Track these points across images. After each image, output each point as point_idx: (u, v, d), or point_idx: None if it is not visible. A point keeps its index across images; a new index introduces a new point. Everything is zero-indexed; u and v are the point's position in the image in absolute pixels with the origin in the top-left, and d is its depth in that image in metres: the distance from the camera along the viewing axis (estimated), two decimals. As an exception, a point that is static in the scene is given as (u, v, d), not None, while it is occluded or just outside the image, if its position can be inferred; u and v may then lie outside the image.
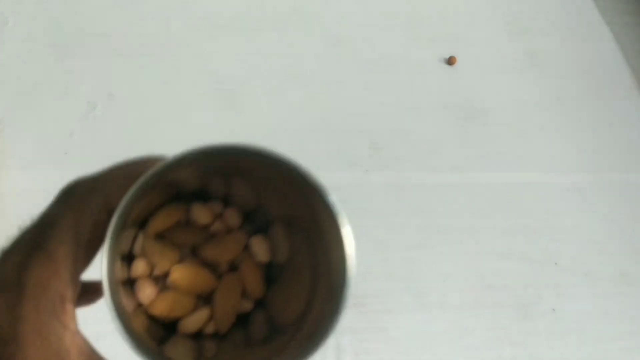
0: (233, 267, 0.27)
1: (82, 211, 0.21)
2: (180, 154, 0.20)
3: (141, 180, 0.20)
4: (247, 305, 0.27)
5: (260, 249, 0.27)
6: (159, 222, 0.25)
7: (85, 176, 0.22)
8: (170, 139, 0.61)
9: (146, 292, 0.25)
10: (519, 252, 0.56)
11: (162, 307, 0.25)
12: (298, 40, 0.72)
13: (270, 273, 0.27)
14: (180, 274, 0.25)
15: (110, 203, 0.21)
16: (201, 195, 0.27)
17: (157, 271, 0.25)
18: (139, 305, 0.25)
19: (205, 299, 0.26)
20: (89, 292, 0.25)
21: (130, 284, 0.25)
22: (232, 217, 0.27)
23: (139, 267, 0.25)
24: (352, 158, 0.61)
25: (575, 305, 0.53)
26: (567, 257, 0.56)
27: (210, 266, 0.26)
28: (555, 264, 0.56)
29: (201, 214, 0.26)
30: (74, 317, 0.20)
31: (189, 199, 0.26)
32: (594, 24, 0.80)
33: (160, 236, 0.26)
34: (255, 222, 0.28)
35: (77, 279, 0.21)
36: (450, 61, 0.72)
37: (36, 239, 0.20)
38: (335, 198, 0.23)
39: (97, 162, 0.64)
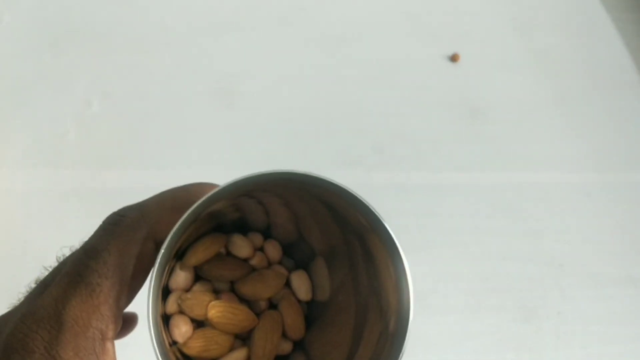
0: (272, 305, 0.26)
1: (128, 243, 0.20)
2: (231, 182, 0.19)
3: (190, 210, 0.19)
4: (287, 347, 0.25)
5: (302, 285, 0.26)
6: (198, 254, 0.24)
7: (130, 205, 0.21)
8: (168, 138, 0.60)
9: (182, 329, 0.23)
10: (524, 254, 0.55)
11: (198, 346, 0.23)
12: (298, 39, 0.71)
13: (311, 312, 0.26)
14: (218, 311, 0.24)
15: (156, 234, 0.20)
16: (240, 225, 0.26)
17: (194, 310, 0.24)
18: (173, 342, 0.23)
19: (243, 339, 0.25)
20: (125, 324, 0.24)
21: (164, 319, 0.24)
22: (273, 250, 0.26)
23: (175, 302, 0.24)
24: (353, 158, 0.61)
25: (580, 308, 0.53)
26: (572, 258, 0.55)
27: (248, 303, 0.25)
28: (560, 265, 0.55)
29: (241, 246, 0.25)
30: (113, 357, 0.19)
31: (228, 229, 0.25)
32: (599, 20, 0.79)
33: (198, 269, 0.25)
34: (295, 256, 0.27)
35: (119, 316, 0.20)
36: (453, 58, 0.71)
37: (78, 271, 0.19)
38: (391, 231, 0.22)
39: (92, 162, 0.64)
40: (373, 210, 0.22)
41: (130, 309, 0.24)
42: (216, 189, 0.19)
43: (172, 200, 0.21)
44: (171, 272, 0.24)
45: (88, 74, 0.64)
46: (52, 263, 0.21)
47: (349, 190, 0.21)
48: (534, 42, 0.75)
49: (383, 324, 0.22)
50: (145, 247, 0.20)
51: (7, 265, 0.49)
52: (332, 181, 0.21)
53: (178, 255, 0.25)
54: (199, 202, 0.19)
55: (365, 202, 0.22)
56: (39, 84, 0.63)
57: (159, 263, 0.19)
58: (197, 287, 0.24)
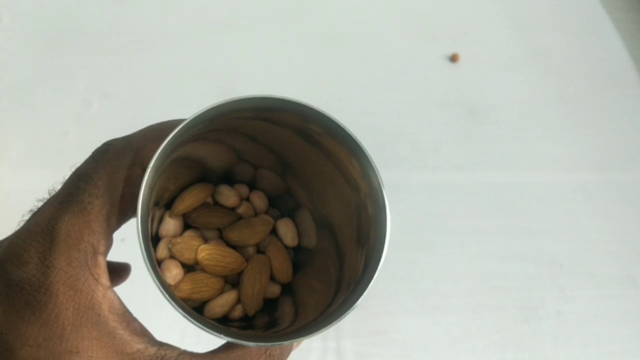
0: (260, 252, 0.26)
1: (116, 167, 0.21)
2: (210, 105, 0.21)
3: (173, 133, 0.20)
4: (275, 289, 0.26)
5: (288, 232, 0.27)
6: (185, 202, 0.25)
7: (118, 137, 0.22)
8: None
9: (173, 272, 0.24)
10: (523, 254, 0.55)
11: (189, 289, 0.24)
12: (298, 38, 0.71)
13: (298, 259, 0.27)
14: (208, 253, 0.24)
15: (143, 160, 0.21)
16: (228, 181, 0.27)
17: (184, 254, 0.24)
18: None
19: (232, 284, 0.25)
20: (117, 273, 0.25)
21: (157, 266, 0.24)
22: (259, 200, 0.27)
23: (165, 248, 0.24)
24: (352, 157, 0.61)
25: (580, 308, 0.53)
26: (572, 258, 0.55)
27: (236, 250, 0.26)
28: (560, 265, 0.55)
29: (228, 195, 0.26)
30: (105, 272, 0.20)
31: (216, 182, 0.26)
32: (599, 21, 0.79)
33: (187, 217, 0.25)
34: (281, 207, 0.27)
35: (109, 234, 0.21)
36: (453, 58, 0.71)
37: (70, 191, 0.20)
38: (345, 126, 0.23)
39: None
40: (326, 114, 0.23)
41: (127, 260, 0.25)
42: (196, 113, 0.21)
43: (157, 131, 0.23)
44: (161, 220, 0.25)
45: (88, 74, 0.64)
46: (45, 198, 0.22)
47: (298, 102, 0.23)
48: (533, 42, 0.75)
49: (360, 242, 0.23)
50: (132, 172, 0.21)
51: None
52: (278, 97, 0.22)
53: (167, 205, 0.25)
54: (180, 126, 0.20)
55: (316, 109, 0.23)
56: (38, 84, 0.63)
57: (146, 182, 0.19)
58: (187, 234, 0.25)
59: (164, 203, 0.25)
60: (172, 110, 0.62)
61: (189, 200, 0.25)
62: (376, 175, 0.24)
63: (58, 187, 0.22)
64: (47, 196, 0.22)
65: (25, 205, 0.56)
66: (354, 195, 0.24)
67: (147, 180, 0.20)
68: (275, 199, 0.28)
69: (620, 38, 0.77)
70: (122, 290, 0.25)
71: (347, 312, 0.21)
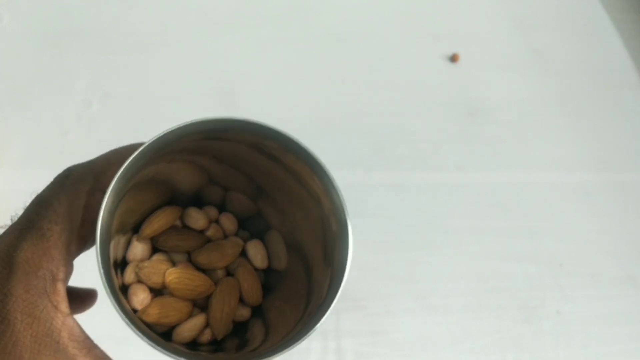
0: (229, 275, 0.26)
1: (76, 192, 0.21)
2: (170, 128, 0.21)
3: (131, 157, 0.20)
4: (245, 313, 0.26)
5: (257, 253, 0.26)
6: (153, 225, 0.25)
7: (80, 163, 0.22)
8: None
9: (140, 297, 0.24)
10: (523, 254, 0.55)
11: (156, 313, 0.24)
12: (298, 38, 0.71)
13: (269, 280, 0.27)
14: (175, 277, 0.24)
15: (104, 184, 0.20)
16: (197, 203, 0.27)
17: (152, 278, 0.24)
18: (134, 311, 0.24)
19: (201, 307, 0.25)
20: (83, 299, 0.25)
21: (123, 290, 0.24)
22: (228, 222, 0.27)
23: (133, 272, 0.24)
24: (353, 158, 0.61)
25: (580, 308, 0.53)
26: (572, 258, 0.55)
27: (205, 273, 0.25)
28: (560, 265, 0.55)
29: (196, 218, 0.26)
30: (65, 298, 0.20)
31: (186, 205, 0.26)
32: (599, 21, 0.79)
33: (155, 241, 0.25)
34: (251, 229, 0.27)
35: (69, 260, 0.20)
36: (453, 58, 0.71)
37: (29, 218, 0.20)
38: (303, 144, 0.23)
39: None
40: (283, 132, 0.23)
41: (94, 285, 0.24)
42: (156, 135, 0.21)
43: (119, 155, 0.22)
44: (128, 245, 0.25)
45: (88, 74, 0.64)
46: (7, 224, 0.22)
47: (254, 122, 0.22)
48: (533, 42, 0.75)
49: (327, 261, 0.23)
50: (93, 198, 0.21)
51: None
52: (233, 118, 0.22)
53: (135, 229, 0.25)
54: (138, 150, 0.20)
55: (272, 128, 0.23)
56: (38, 84, 0.63)
57: (104, 206, 0.20)
58: (155, 258, 0.25)
59: (131, 227, 0.25)
60: (171, 110, 0.62)
61: (156, 223, 0.25)
62: (337, 193, 0.24)
63: (21, 212, 0.22)
64: (9, 222, 0.22)
65: (25, 205, 0.56)
66: (318, 211, 0.24)
67: (105, 204, 0.19)
68: (245, 221, 0.27)
69: (620, 38, 0.77)
70: (97, 314, 0.25)
71: (306, 335, 0.21)
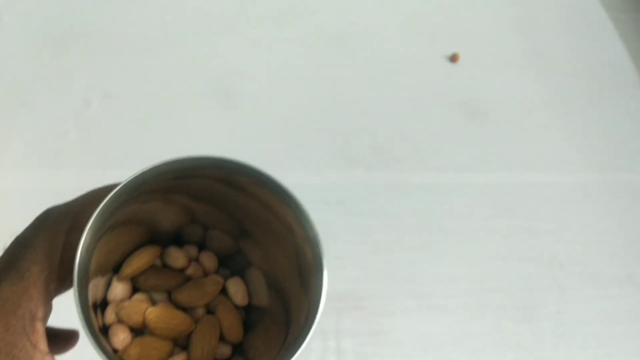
0: (210, 312, 0.26)
1: (54, 233, 0.21)
2: (148, 167, 0.22)
3: (108, 196, 0.21)
4: (226, 350, 0.26)
5: (237, 291, 0.26)
6: (133, 265, 0.25)
7: (58, 204, 0.23)
8: (168, 138, 0.60)
9: (120, 337, 0.24)
10: (523, 254, 0.55)
11: (137, 353, 0.24)
12: (298, 38, 0.71)
13: (250, 318, 0.27)
14: (156, 316, 0.24)
15: (82, 225, 0.21)
16: (178, 241, 0.27)
17: (132, 317, 0.24)
18: (114, 351, 0.24)
19: (182, 346, 0.25)
20: (64, 340, 0.25)
21: (104, 331, 0.24)
22: (209, 260, 0.27)
23: (113, 312, 0.24)
24: (352, 158, 0.61)
25: (580, 308, 0.53)
26: (571, 258, 0.56)
27: (186, 311, 0.25)
28: (560, 265, 0.55)
29: (176, 257, 0.26)
30: (44, 337, 0.20)
31: (166, 244, 0.26)
32: (599, 21, 0.79)
33: (135, 281, 0.25)
34: (232, 266, 0.27)
35: (48, 299, 0.21)
36: (453, 58, 0.71)
37: (9, 259, 0.21)
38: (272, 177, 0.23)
39: (92, 161, 0.64)
40: (253, 167, 0.23)
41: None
42: (133, 175, 0.22)
43: (96, 195, 0.23)
44: (109, 285, 0.25)
45: (87, 74, 0.64)
46: None
47: (222, 158, 0.23)
48: (533, 42, 0.75)
49: (305, 294, 0.23)
50: (71, 237, 0.21)
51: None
52: (200, 157, 0.23)
53: (116, 269, 0.26)
54: (117, 188, 0.21)
55: (240, 163, 0.23)
56: (38, 84, 0.63)
57: (82, 245, 0.20)
58: (135, 298, 0.25)
59: (111, 267, 0.25)
60: (172, 110, 0.62)
61: (136, 263, 0.25)
62: (309, 223, 0.24)
63: (1, 252, 0.22)
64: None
65: (26, 205, 0.56)
66: (293, 240, 0.24)
67: (83, 243, 0.20)
68: (226, 258, 0.27)
69: (620, 38, 0.77)
70: (79, 353, 0.25)
71: None
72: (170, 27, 0.70)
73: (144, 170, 0.22)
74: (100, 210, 0.21)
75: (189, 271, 0.26)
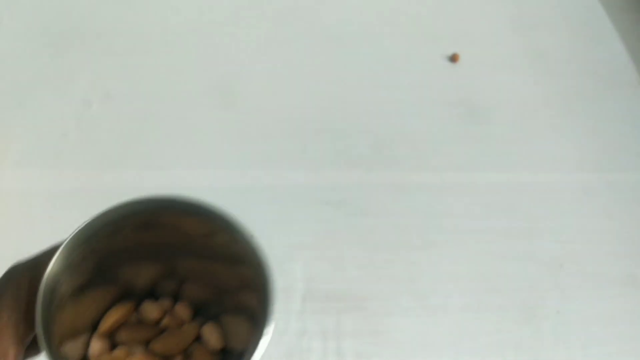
0: (187, 359, 0.27)
1: (20, 283, 0.24)
2: (100, 212, 0.24)
3: (65, 242, 0.23)
4: None
5: (211, 336, 0.27)
6: (108, 322, 0.27)
7: (25, 258, 0.26)
8: (168, 138, 0.61)
9: None
10: (523, 254, 0.55)
11: None
12: (298, 38, 0.71)
13: None
14: None
15: (42, 274, 0.24)
16: (153, 294, 0.29)
17: None
18: None
19: None
20: None
21: None
22: (183, 311, 0.28)
23: None
24: (353, 158, 0.61)
25: (580, 308, 0.53)
26: (572, 258, 0.56)
27: (164, 359, 0.26)
28: (560, 265, 0.55)
29: (151, 310, 0.28)
30: None
31: (142, 297, 0.28)
32: (599, 21, 0.79)
33: (113, 336, 0.26)
34: (209, 313, 0.28)
35: (19, 341, 0.23)
36: (453, 58, 0.71)
37: None
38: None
39: (92, 162, 0.64)
40: (216, 209, 0.24)
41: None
42: (85, 221, 0.24)
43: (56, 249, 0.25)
44: (88, 343, 0.26)
45: (88, 75, 0.65)
46: None
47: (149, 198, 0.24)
48: (533, 42, 0.75)
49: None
50: (33, 285, 0.24)
51: (5, 264, 0.49)
52: (125, 203, 0.25)
53: (95, 327, 0.27)
54: (70, 234, 0.23)
55: (201, 204, 0.24)
56: (38, 84, 0.63)
57: (42, 289, 0.23)
58: (115, 352, 0.26)
59: (89, 326, 0.27)
60: (171, 110, 0.63)
61: (111, 319, 0.27)
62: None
63: None
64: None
65: (26, 205, 0.56)
66: (248, 270, 0.25)
67: (44, 286, 0.22)
68: (202, 305, 0.28)
69: (619, 38, 0.77)
70: None
71: None
72: (170, 28, 0.70)
73: (102, 212, 0.24)
74: (55, 262, 0.23)
75: (164, 322, 0.28)
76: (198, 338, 0.28)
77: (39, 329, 0.22)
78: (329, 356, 0.47)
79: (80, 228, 0.24)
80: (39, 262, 0.25)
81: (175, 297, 0.29)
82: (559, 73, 0.72)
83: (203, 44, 0.69)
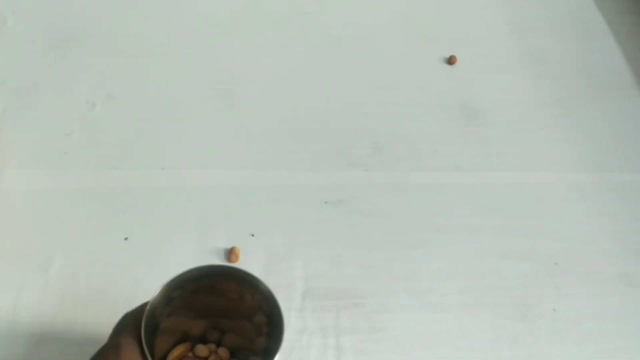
0: None
1: (130, 333, 0.33)
2: (169, 280, 0.35)
3: (146, 310, 0.34)
4: None
5: None
6: (175, 354, 0.40)
7: (131, 310, 0.36)
8: (171, 139, 0.61)
9: None
10: (519, 252, 0.56)
11: None
12: (298, 41, 0.72)
13: None
14: None
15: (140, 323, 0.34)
16: (203, 339, 0.42)
17: None
18: None
19: None
20: None
21: None
22: (223, 353, 0.41)
23: None
24: (352, 158, 0.61)
25: (575, 306, 0.53)
26: (567, 257, 0.56)
27: None
28: (556, 264, 0.55)
29: (202, 350, 0.41)
30: None
31: (196, 341, 0.41)
32: (595, 23, 0.80)
33: None
34: (242, 357, 0.41)
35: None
36: (450, 61, 0.72)
37: (113, 343, 0.33)
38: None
39: (96, 162, 0.64)
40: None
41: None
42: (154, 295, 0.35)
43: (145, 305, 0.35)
44: None
45: (91, 76, 0.65)
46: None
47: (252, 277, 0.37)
48: (530, 44, 0.76)
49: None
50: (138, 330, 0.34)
51: (11, 264, 0.50)
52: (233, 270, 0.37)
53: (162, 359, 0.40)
54: (147, 308, 0.34)
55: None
56: (42, 85, 0.64)
57: (143, 336, 0.33)
58: None
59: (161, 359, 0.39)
60: (174, 112, 0.63)
61: (176, 353, 0.40)
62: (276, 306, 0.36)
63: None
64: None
65: (31, 205, 0.57)
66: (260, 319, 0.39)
67: (144, 331, 0.33)
68: (237, 351, 0.41)
69: (615, 40, 0.77)
70: None
71: None
72: (173, 30, 0.71)
73: (172, 279, 0.36)
74: (146, 316, 0.34)
75: (211, 359, 0.40)
76: None
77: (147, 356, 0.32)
78: (329, 352, 0.48)
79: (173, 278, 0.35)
80: (139, 311, 0.34)
81: (218, 343, 0.42)
82: (555, 75, 0.73)
83: (205, 46, 0.70)
